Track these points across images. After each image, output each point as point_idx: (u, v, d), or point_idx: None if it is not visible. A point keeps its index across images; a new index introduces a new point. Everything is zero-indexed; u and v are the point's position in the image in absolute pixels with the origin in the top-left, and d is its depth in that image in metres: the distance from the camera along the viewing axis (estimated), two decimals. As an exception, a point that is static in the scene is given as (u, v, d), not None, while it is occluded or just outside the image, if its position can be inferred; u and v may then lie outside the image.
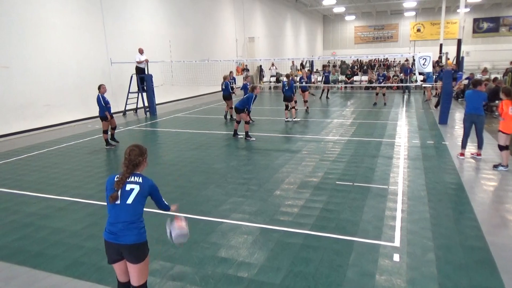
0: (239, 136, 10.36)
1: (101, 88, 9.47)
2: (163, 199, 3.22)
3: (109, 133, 9.76)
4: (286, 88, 12.70)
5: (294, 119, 12.91)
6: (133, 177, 2.95)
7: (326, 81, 18.90)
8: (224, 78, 13.58)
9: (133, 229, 2.89)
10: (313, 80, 26.28)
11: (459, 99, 17.21)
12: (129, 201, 2.89)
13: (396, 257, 4.08)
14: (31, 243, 4.67)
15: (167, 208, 3.32)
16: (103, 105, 9.38)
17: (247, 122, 10.27)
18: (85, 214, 5.52)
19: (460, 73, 16.19)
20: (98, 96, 9.41)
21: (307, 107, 14.91)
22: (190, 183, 6.74)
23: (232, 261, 4.11)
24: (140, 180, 2.96)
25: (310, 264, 4.01)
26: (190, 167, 7.75)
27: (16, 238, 4.81)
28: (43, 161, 8.58)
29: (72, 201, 6.01)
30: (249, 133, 10.20)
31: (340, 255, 4.17)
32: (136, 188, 2.92)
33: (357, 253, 4.20)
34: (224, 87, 13.38)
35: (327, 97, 19.35)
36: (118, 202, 2.88)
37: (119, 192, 2.89)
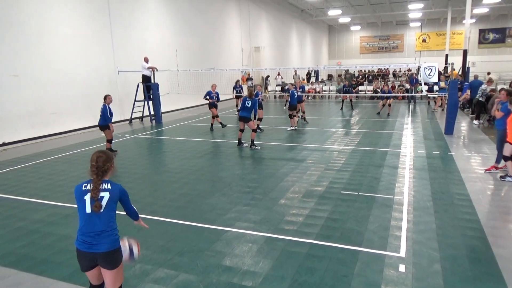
0: (244, 145, 10.38)
1: (107, 98, 9.32)
2: (132, 205, 3.25)
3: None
4: (296, 96, 13.03)
5: (295, 127, 13.05)
6: (102, 184, 2.97)
7: (347, 92, 18.75)
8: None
9: (107, 237, 2.92)
10: (318, 89, 26.45)
11: (465, 110, 17.17)
12: (101, 209, 2.92)
13: (402, 268, 4.05)
14: (37, 249, 4.70)
15: (136, 214, 3.27)
16: (108, 116, 9.23)
17: (254, 131, 10.30)
18: (90, 221, 5.54)
19: (467, 83, 16.18)
20: (105, 106, 9.24)
21: (304, 117, 14.94)
22: (195, 191, 6.76)
23: (237, 270, 4.10)
24: (109, 186, 2.99)
25: (315, 273, 3.99)
26: (195, 175, 7.77)
27: (22, 245, 4.84)
28: (50, 168, 8.65)
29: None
30: (254, 142, 10.23)
31: (345, 265, 4.15)
32: (106, 195, 2.94)
33: (362, 263, 4.18)
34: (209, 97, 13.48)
35: (352, 108, 18.98)
36: (89, 211, 2.89)
37: (89, 201, 2.89)
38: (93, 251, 2.90)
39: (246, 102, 10.21)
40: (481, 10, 33.96)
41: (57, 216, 5.78)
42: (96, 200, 2.89)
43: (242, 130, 10.44)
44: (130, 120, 15.42)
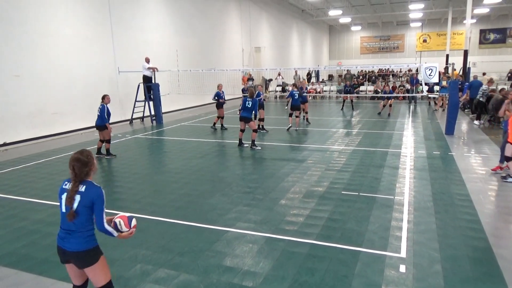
0: (245, 145, 10.38)
1: (105, 98, 9.21)
2: (103, 217, 2.90)
3: (97, 146, 9.59)
4: (296, 97, 13.06)
5: (296, 127, 13.07)
6: (79, 185, 2.88)
7: (348, 92, 18.70)
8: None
9: (78, 237, 2.87)
10: (319, 90, 26.44)
11: (466, 110, 17.16)
12: (74, 218, 2.87)
13: (402, 268, 4.05)
14: (37, 249, 4.70)
15: (102, 228, 2.89)
16: (105, 116, 9.12)
17: (255, 131, 10.30)
18: (91, 221, 5.54)
19: (467, 84, 16.20)
20: (103, 106, 9.13)
21: (307, 118, 14.94)
22: (195, 191, 6.76)
23: (237, 270, 4.10)
24: (83, 189, 2.86)
25: (315, 274, 3.99)
26: (196, 176, 7.77)
27: (22, 245, 4.84)
28: (51, 168, 8.66)
29: (78, 209, 6.04)
30: (255, 142, 10.24)
31: (346, 265, 4.15)
32: (77, 198, 2.84)
33: (363, 263, 4.17)
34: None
35: (352, 109, 18.93)
36: (64, 210, 2.89)
37: (64, 202, 2.88)
38: (63, 247, 2.91)
39: (247, 102, 10.20)
40: (481, 10, 33.94)
41: (57, 216, 5.70)
42: (70, 208, 2.84)
43: (242, 131, 10.43)
44: (131, 120, 15.43)
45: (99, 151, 9.58)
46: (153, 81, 15.17)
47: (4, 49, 10.89)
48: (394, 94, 17.50)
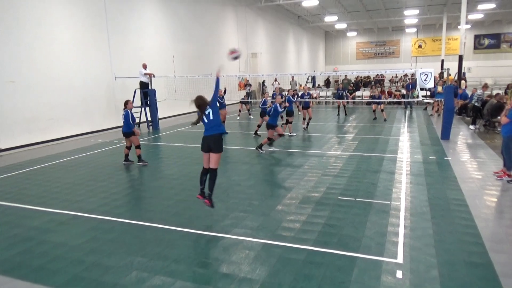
0: (261, 152, 10.38)
1: (128, 104, 9.05)
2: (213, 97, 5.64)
3: (124, 153, 9.46)
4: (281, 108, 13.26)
5: (290, 134, 13.10)
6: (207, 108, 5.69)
7: (339, 97, 18.90)
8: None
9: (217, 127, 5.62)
10: (315, 95, 26.50)
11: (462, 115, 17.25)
12: (211, 117, 5.68)
13: (399, 274, 4.05)
14: (32, 257, 4.65)
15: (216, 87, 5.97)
16: (130, 122, 8.96)
17: (269, 138, 10.42)
18: (86, 228, 5.51)
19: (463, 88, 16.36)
20: (127, 112, 8.96)
21: (307, 123, 14.86)
22: (192, 197, 6.72)
23: (234, 277, 4.07)
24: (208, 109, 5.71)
25: (312, 280, 3.98)
26: (192, 182, 7.73)
27: (17, 252, 4.80)
28: (46, 175, 8.61)
29: (73, 215, 6.00)
30: (262, 147, 10.42)
31: (343, 271, 4.14)
32: (209, 110, 5.72)
33: (360, 269, 4.16)
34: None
35: (345, 114, 19.12)
36: (206, 120, 5.70)
37: (204, 117, 5.72)
38: (211, 133, 5.72)
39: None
40: (476, 16, 34.25)
41: (52, 223, 5.74)
42: (200, 116, 5.80)
43: (269, 139, 10.45)
44: (127, 126, 15.38)
45: (126, 158, 9.35)
46: (149, 87, 15.17)
47: None
48: (383, 100, 17.63)
